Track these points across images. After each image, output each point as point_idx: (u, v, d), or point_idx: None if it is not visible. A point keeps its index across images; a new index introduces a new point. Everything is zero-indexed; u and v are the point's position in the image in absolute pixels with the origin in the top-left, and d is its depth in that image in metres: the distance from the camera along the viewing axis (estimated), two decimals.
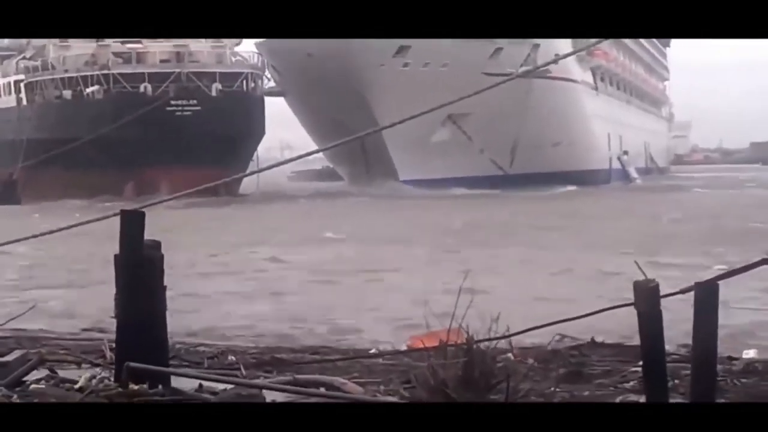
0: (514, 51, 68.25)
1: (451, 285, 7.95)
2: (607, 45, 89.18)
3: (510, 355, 8.24)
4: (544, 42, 69.85)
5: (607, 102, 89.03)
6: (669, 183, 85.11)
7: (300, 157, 12.12)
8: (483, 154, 68.60)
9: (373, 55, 64.26)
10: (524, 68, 65.67)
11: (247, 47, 70.39)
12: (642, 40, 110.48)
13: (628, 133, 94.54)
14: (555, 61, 61.80)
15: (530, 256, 26.93)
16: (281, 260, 26.95)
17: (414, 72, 65.51)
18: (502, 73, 63.19)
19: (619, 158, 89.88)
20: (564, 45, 74.52)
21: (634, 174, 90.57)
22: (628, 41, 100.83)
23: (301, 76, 65.89)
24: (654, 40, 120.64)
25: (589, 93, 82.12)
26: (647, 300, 6.72)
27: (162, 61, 64.72)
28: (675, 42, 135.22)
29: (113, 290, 7.62)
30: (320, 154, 71.47)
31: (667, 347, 7.10)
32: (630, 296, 6.69)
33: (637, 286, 6.74)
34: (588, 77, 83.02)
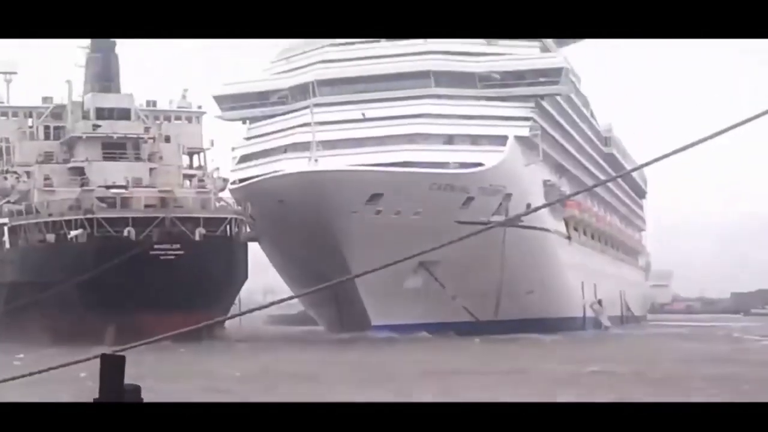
0: (485, 200, 68.96)
1: None
2: (581, 196, 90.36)
3: None
4: (515, 192, 70.73)
5: (580, 251, 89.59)
6: (638, 333, 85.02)
7: (279, 302, 12.18)
8: (455, 301, 68.66)
9: (345, 201, 64.63)
10: (496, 216, 66.38)
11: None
12: (617, 191, 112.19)
13: (602, 281, 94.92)
14: (527, 213, 62.53)
15: None
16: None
17: (386, 220, 65.80)
18: (474, 221, 64.02)
19: (591, 306, 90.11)
20: (536, 193, 75.65)
21: (606, 322, 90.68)
22: (604, 193, 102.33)
23: (273, 221, 66.21)
24: (630, 191, 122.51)
25: (562, 242, 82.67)
26: None
27: (147, 206, 65.01)
28: (651, 194, 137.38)
29: None
30: (295, 300, 71.53)
31: None
32: None
33: None
34: (561, 227, 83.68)
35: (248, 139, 77.85)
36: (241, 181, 70.49)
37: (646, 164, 8.93)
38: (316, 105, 70.14)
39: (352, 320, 67.71)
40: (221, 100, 77.23)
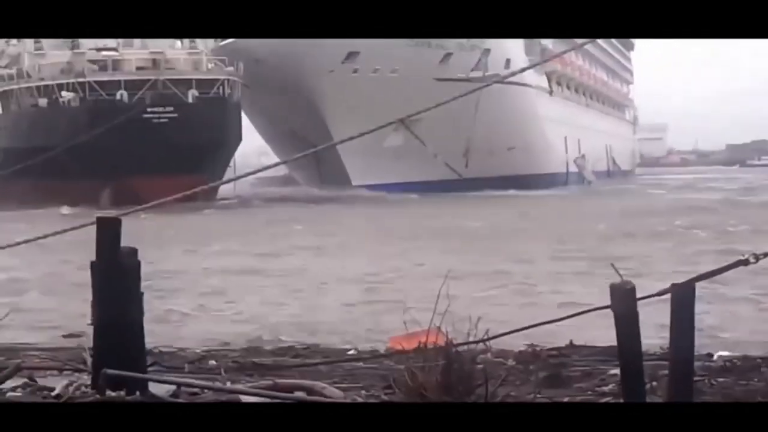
0: (464, 56, 68.41)
1: (430, 287, 7.96)
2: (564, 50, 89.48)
3: (488, 355, 8.26)
4: (494, 46, 70.08)
5: (563, 106, 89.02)
6: (622, 187, 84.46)
7: (268, 167, 12.15)
8: (437, 159, 68.42)
9: (322, 61, 64.27)
10: (475, 72, 65.98)
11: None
12: (603, 44, 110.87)
13: (587, 136, 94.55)
14: (512, 74, 62.07)
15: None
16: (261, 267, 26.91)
17: (364, 77, 65.47)
18: (452, 78, 63.70)
19: (575, 161, 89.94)
20: (516, 48, 74.90)
21: (590, 177, 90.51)
22: (588, 47, 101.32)
23: (251, 82, 65.81)
24: (616, 43, 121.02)
25: (543, 97, 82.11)
26: (624, 302, 6.75)
27: (138, 68, 64.44)
28: (647, 44, 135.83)
29: (90, 297, 7.59)
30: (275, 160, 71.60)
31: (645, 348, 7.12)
32: None
33: (614, 288, 6.77)
34: (542, 81, 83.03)
35: None
36: (216, 41, 69.84)
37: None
38: None
39: (333, 180, 67.80)
40: None
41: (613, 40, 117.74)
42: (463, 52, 68.42)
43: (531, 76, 77.02)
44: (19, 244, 9.21)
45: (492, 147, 71.03)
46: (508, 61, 70.73)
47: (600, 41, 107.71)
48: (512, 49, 73.45)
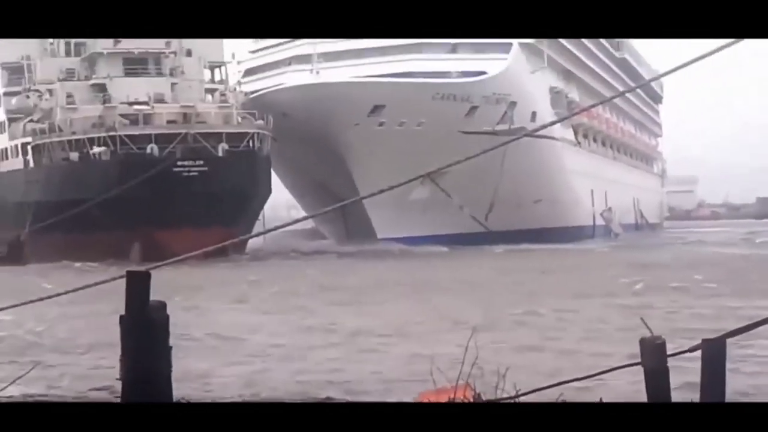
0: (490, 109, 68.59)
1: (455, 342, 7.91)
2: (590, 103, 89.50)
3: None
4: (520, 99, 70.25)
5: (590, 158, 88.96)
6: (648, 241, 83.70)
7: (297, 221, 12.14)
8: (463, 211, 68.37)
9: (348, 114, 64.63)
10: (501, 125, 66.10)
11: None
12: (632, 97, 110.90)
13: (614, 189, 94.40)
14: (540, 128, 62.06)
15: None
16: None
17: (389, 131, 65.72)
18: (478, 131, 63.82)
19: (602, 214, 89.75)
20: (541, 100, 75.02)
21: (617, 230, 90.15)
22: (616, 100, 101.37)
23: (278, 135, 66.22)
24: (644, 96, 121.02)
25: (570, 150, 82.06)
26: (654, 357, 6.70)
27: (169, 122, 64.89)
28: (676, 97, 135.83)
29: (119, 352, 7.61)
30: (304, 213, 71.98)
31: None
32: None
33: (644, 343, 6.72)
34: (569, 134, 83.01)
35: (253, 52, 78.03)
36: (246, 95, 70.40)
37: (665, 74, 8.63)
38: None
39: (359, 234, 67.87)
40: None
41: (641, 93, 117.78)
42: (488, 105, 68.68)
43: (557, 129, 77.04)
44: (50, 297, 9.24)
45: (519, 200, 70.98)
46: (533, 114, 70.90)
47: (629, 95, 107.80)
48: (538, 102, 73.65)
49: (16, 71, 74.38)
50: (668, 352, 6.74)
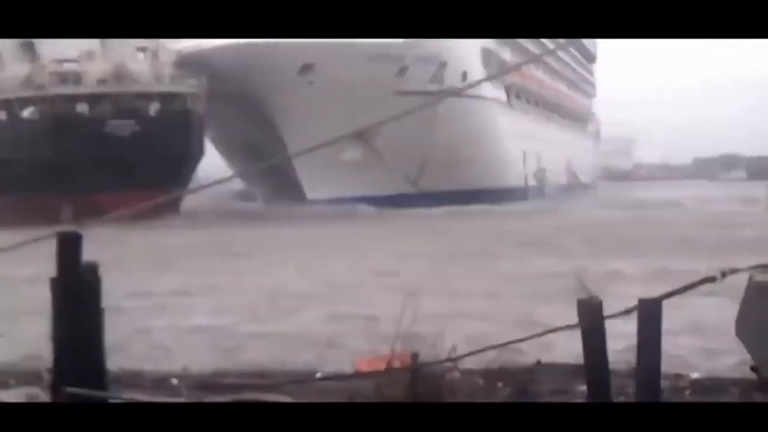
0: (420, 68, 68.42)
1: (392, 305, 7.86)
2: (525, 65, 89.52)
3: (457, 374, 8.18)
4: (451, 59, 70.20)
5: (522, 119, 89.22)
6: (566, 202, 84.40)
7: (221, 181, 11.97)
8: (394, 172, 68.31)
9: (277, 73, 64.09)
10: (432, 85, 66.12)
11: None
12: (564, 56, 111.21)
13: (546, 150, 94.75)
14: (469, 86, 62.15)
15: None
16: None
17: (320, 90, 65.26)
18: (410, 90, 63.76)
19: (534, 175, 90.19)
20: (472, 60, 74.99)
21: (550, 191, 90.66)
22: (549, 59, 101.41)
23: (207, 96, 65.65)
24: (577, 54, 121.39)
25: (501, 110, 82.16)
26: (591, 317, 6.71)
27: (99, 80, 63.99)
28: (610, 56, 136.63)
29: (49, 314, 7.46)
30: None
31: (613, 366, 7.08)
32: None
33: (581, 304, 6.72)
34: (501, 94, 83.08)
35: None
36: (178, 53, 69.52)
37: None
38: None
39: (288, 194, 67.48)
40: None
41: (574, 52, 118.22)
42: (419, 65, 68.50)
43: (489, 89, 77.10)
44: None
45: (449, 160, 71.05)
46: (464, 73, 70.88)
47: (561, 54, 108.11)
48: (469, 62, 73.58)
49: None
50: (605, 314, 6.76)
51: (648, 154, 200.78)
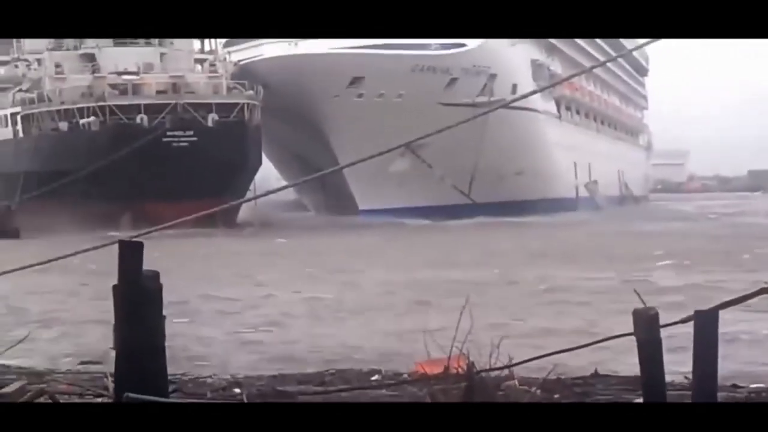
0: (469, 81, 68.55)
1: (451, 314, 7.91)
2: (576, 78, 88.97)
3: (514, 382, 8.21)
4: (501, 71, 70.23)
5: (572, 131, 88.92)
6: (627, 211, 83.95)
7: (271, 192, 12.08)
8: (444, 182, 68.31)
9: (327, 85, 64.59)
10: (481, 98, 66.21)
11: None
12: (615, 69, 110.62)
13: (597, 161, 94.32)
14: (518, 98, 62.08)
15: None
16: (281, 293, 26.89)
17: (369, 103, 65.71)
18: (458, 103, 63.84)
19: (586, 186, 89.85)
20: (523, 73, 74.89)
21: (601, 202, 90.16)
22: (600, 71, 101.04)
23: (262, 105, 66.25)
24: (629, 67, 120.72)
25: (551, 122, 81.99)
26: (647, 328, 6.70)
27: (158, 92, 64.73)
28: (664, 69, 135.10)
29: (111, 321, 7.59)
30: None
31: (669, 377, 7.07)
32: None
33: (637, 314, 6.72)
34: (551, 107, 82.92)
35: None
36: (235, 65, 70.24)
37: (647, 43, 8.55)
38: None
39: (339, 205, 67.94)
40: None
41: (626, 65, 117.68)
42: (468, 77, 68.72)
43: (539, 102, 77.03)
44: (38, 264, 9.21)
45: (500, 172, 71.13)
46: (514, 86, 70.97)
47: (612, 67, 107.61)
48: (519, 75, 73.61)
49: (4, 41, 73.99)
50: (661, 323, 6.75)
51: (701, 167, 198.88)
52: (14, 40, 72.29)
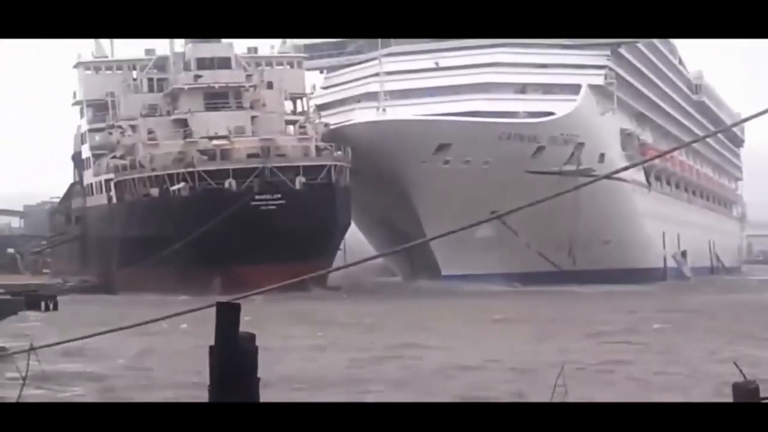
0: (557, 150, 68.61)
1: None
2: (665, 145, 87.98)
3: None
4: (588, 139, 70.18)
5: (661, 201, 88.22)
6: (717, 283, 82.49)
7: (359, 262, 12.14)
8: (530, 249, 67.96)
9: (414, 151, 65.02)
10: (568, 166, 66.22)
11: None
12: (710, 140, 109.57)
13: (687, 231, 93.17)
14: (614, 173, 61.66)
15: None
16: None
17: (455, 169, 65.97)
18: (545, 171, 63.74)
19: (674, 257, 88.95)
20: (611, 141, 74.62)
21: (688, 273, 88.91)
22: (697, 144, 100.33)
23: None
24: (724, 139, 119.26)
25: (640, 192, 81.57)
26: (747, 401, 6.57)
27: (249, 155, 65.27)
28: (751, 140, 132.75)
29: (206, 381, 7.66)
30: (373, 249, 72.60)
31: None
32: None
33: (737, 387, 6.61)
34: (640, 176, 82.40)
35: (324, 88, 78.97)
36: (326, 126, 71.05)
37: (745, 120, 8.47)
38: (390, 54, 71.07)
39: (424, 270, 67.93)
40: (299, 49, 77.41)
41: (721, 137, 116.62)
42: (555, 146, 68.87)
43: (628, 172, 76.49)
44: (133, 326, 9.32)
45: (588, 240, 70.93)
46: (602, 155, 71.07)
47: (709, 140, 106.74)
48: (608, 144, 73.56)
49: (100, 108, 75.68)
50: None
51: None
52: (110, 108, 73.56)
